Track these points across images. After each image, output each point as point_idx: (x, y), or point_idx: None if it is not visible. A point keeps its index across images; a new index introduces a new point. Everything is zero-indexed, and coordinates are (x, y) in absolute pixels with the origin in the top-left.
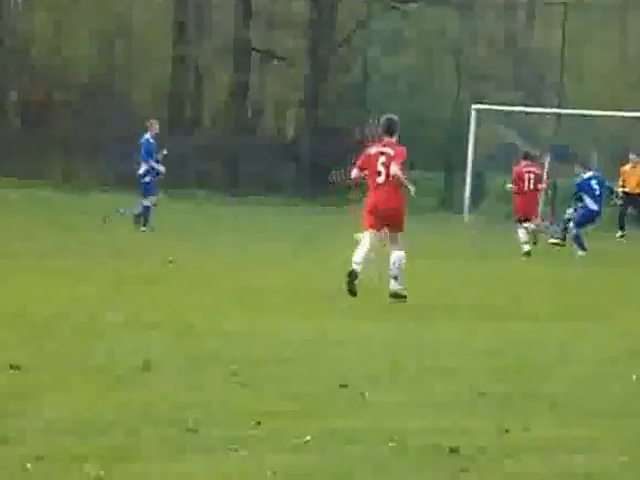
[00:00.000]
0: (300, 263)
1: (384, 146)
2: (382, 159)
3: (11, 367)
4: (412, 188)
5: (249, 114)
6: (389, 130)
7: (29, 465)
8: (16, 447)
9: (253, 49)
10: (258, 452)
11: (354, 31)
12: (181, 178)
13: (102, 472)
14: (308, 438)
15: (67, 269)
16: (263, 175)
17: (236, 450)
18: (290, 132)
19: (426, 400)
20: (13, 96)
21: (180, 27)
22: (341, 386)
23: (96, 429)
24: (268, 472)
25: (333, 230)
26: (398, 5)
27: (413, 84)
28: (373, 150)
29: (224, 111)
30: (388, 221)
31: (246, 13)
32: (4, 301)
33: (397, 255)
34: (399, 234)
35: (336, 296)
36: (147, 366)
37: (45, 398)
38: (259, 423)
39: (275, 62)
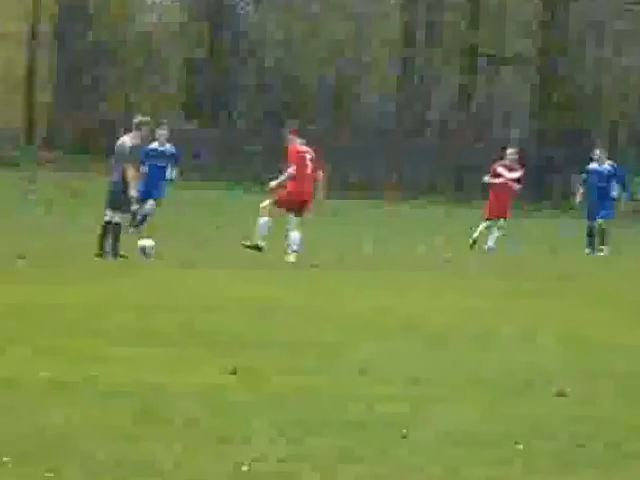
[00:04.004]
0: None
1: None
2: None
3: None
4: None
5: (476, 118)
6: None
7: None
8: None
9: (483, 54)
10: None
11: (589, 32)
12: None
13: None
14: None
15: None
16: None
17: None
18: (516, 135)
19: None
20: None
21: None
22: None
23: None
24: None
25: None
26: (632, 7)
27: None
28: None
29: (451, 114)
30: None
31: (475, 14)
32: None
33: None
34: None
35: None
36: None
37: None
38: None
39: (505, 65)
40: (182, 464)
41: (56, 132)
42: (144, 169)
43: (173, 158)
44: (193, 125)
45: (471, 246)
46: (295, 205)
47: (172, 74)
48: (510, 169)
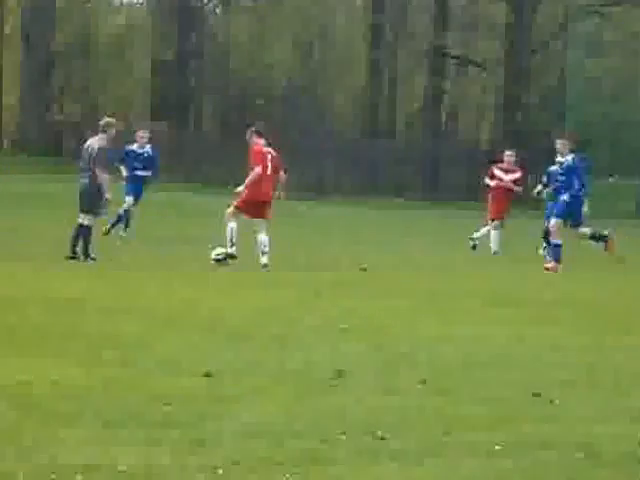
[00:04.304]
0: (495, 268)
1: None
2: None
3: (205, 375)
4: None
5: (444, 119)
6: None
7: (221, 471)
8: (212, 450)
9: (449, 56)
10: (451, 458)
11: (555, 34)
12: (376, 183)
13: (293, 476)
14: (498, 444)
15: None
16: (459, 180)
17: (426, 456)
18: (485, 136)
19: (620, 406)
20: (210, 103)
21: (375, 31)
22: (533, 391)
23: (288, 434)
24: (458, 478)
25: (529, 235)
26: (599, 9)
27: (614, 87)
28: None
29: (418, 116)
30: None
31: (443, 16)
32: (201, 307)
33: None
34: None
35: (529, 301)
36: (340, 371)
37: (240, 403)
38: (450, 428)
39: (472, 67)
40: None
41: (22, 134)
42: (124, 170)
43: (152, 160)
44: (161, 127)
45: (474, 247)
46: (255, 208)
47: (139, 76)
48: (507, 171)
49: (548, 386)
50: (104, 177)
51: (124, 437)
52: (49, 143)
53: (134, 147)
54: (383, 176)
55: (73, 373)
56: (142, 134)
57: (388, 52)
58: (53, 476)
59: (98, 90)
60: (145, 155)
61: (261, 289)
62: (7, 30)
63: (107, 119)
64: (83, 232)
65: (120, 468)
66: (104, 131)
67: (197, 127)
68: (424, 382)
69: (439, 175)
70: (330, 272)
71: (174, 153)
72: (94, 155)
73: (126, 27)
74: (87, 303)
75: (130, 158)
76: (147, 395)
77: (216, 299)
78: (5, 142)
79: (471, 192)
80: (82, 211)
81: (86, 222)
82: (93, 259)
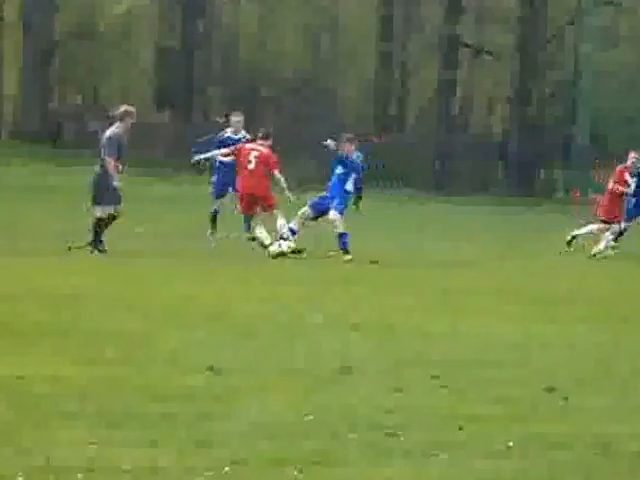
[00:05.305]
0: (505, 264)
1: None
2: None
3: (208, 369)
4: None
5: (456, 111)
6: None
7: (227, 468)
8: (219, 449)
9: (462, 44)
10: (460, 457)
11: (569, 24)
12: (385, 176)
13: (301, 476)
14: (511, 443)
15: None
16: (470, 173)
17: (438, 455)
18: (497, 129)
19: (636, 404)
20: (215, 91)
21: (386, 22)
22: (547, 390)
23: (296, 432)
24: (471, 477)
25: (540, 230)
26: (611, 0)
27: (628, 81)
28: None
29: (429, 108)
30: None
31: (455, 8)
32: (205, 302)
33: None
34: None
35: (543, 298)
36: (348, 368)
37: (245, 400)
38: (462, 427)
39: (484, 57)
40: None
41: (22, 124)
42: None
43: None
44: (165, 118)
45: (568, 243)
46: (250, 202)
47: (143, 65)
48: (632, 174)
49: (562, 383)
50: (111, 165)
51: (127, 437)
52: (51, 133)
53: (229, 134)
54: (394, 169)
55: (73, 371)
56: (236, 118)
57: (399, 44)
58: (52, 477)
59: (100, 79)
60: (243, 141)
61: (269, 284)
62: (7, 18)
63: (125, 107)
64: (107, 222)
65: (124, 468)
66: (121, 119)
67: (204, 119)
68: (436, 379)
69: (451, 168)
70: (340, 267)
71: (178, 145)
72: (104, 143)
73: (130, 14)
74: (87, 299)
75: (225, 146)
76: (151, 393)
77: (222, 294)
78: (3, 132)
79: (483, 185)
80: (97, 203)
81: (98, 214)
82: (101, 251)
